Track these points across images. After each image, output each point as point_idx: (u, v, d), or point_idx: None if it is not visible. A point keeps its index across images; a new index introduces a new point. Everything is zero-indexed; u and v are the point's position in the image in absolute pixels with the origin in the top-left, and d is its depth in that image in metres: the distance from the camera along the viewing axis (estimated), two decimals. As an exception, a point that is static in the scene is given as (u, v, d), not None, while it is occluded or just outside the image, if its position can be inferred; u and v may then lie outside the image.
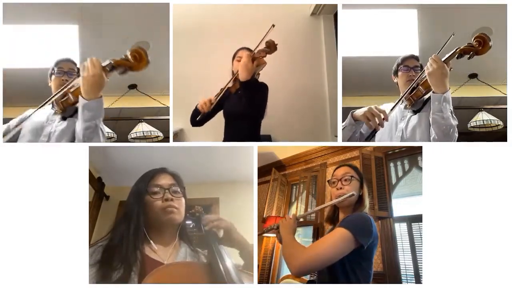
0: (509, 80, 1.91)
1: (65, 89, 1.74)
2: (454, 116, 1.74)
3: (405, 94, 1.85)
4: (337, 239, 1.34)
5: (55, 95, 1.74)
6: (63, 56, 1.94)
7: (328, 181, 1.62)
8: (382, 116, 1.73)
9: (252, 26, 2.72)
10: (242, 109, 2.08)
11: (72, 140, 1.80)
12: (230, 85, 2.11)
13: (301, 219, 1.58)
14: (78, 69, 1.89)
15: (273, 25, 2.08)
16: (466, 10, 2.93)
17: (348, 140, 1.97)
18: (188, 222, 1.47)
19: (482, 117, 3.81)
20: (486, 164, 1.80)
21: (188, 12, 2.74)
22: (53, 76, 1.88)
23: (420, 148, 1.85)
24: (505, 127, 3.56)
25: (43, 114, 1.83)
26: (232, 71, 2.16)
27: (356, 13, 2.87)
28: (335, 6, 2.54)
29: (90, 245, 1.37)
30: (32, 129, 1.77)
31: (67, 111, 1.79)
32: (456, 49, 1.75)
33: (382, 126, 1.75)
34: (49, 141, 1.79)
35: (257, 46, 2.07)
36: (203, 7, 2.79)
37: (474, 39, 1.75)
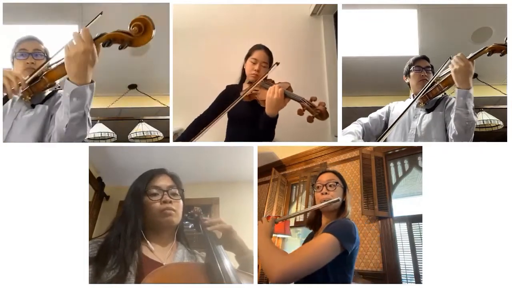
0: (509, 80, 1.91)
1: (38, 74, 1.49)
2: (475, 113, 1.83)
3: (423, 91, 1.88)
4: (324, 244, 1.31)
5: (27, 80, 1.46)
6: (25, 34, 1.68)
7: (312, 185, 1.61)
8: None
9: (253, 26, 2.72)
10: (252, 118, 2.00)
11: (43, 128, 1.58)
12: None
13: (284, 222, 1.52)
14: (46, 50, 1.67)
15: (277, 63, 1.99)
16: (466, 10, 2.94)
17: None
18: (186, 223, 1.47)
19: (482, 117, 3.82)
20: (486, 164, 1.80)
21: (188, 12, 2.74)
22: (15, 59, 1.62)
23: (420, 148, 1.85)
24: (505, 127, 3.57)
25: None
26: (243, 69, 2.12)
27: (356, 13, 2.87)
28: (335, 6, 2.54)
29: (91, 239, 1.37)
30: None
31: (36, 97, 1.57)
32: (484, 48, 1.79)
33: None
34: (10, 132, 1.58)
35: (260, 79, 1.97)
36: (203, 7, 2.79)
37: (506, 39, 1.79)
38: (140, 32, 1.34)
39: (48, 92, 1.63)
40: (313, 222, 1.58)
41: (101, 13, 1.42)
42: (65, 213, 1.75)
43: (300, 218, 2.98)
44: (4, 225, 1.74)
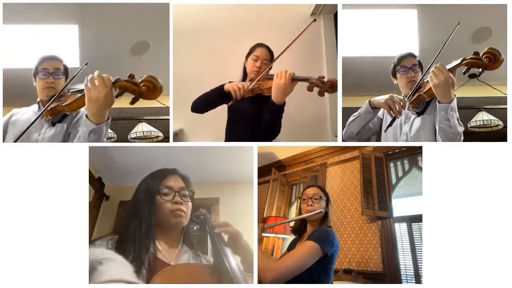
0: (509, 80, 1.91)
1: (57, 98, 1.64)
2: (460, 123, 1.71)
3: (408, 98, 1.81)
4: (308, 251, 1.53)
5: (48, 106, 1.62)
6: (48, 53, 1.81)
7: (299, 197, 1.86)
8: (402, 104, 1.75)
9: (252, 26, 2.72)
10: (253, 114, 1.98)
11: None
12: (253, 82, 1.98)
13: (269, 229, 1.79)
14: (65, 67, 1.79)
15: (315, 20, 2.00)
16: (466, 10, 2.93)
17: (358, 133, 1.96)
18: (192, 224, 1.48)
19: (482, 117, 3.82)
20: (486, 164, 1.80)
21: (188, 12, 2.74)
22: (37, 77, 1.76)
23: (420, 148, 1.85)
24: (505, 127, 3.57)
25: (29, 116, 1.76)
26: (244, 68, 2.11)
27: (356, 13, 2.87)
28: (335, 6, 2.54)
29: (97, 238, 1.33)
30: (17, 134, 1.65)
31: (55, 116, 1.71)
32: (462, 61, 1.68)
33: (401, 114, 1.78)
34: None
35: (295, 39, 1.95)
36: (203, 7, 2.79)
37: (483, 56, 1.66)
38: (149, 90, 1.50)
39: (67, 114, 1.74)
40: (298, 229, 1.79)
41: (86, 64, 1.63)
42: (65, 213, 1.75)
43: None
44: (4, 225, 1.74)
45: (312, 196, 1.74)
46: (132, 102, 1.48)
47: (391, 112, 1.76)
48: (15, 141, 1.60)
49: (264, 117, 1.92)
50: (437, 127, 1.71)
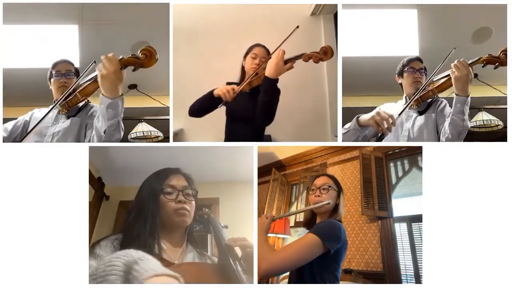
0: (509, 80, 1.91)
1: (71, 91, 1.77)
2: (469, 119, 1.80)
3: (416, 95, 1.87)
4: (305, 244, 1.41)
5: (63, 98, 1.76)
6: (60, 57, 1.96)
7: (307, 188, 1.70)
8: (391, 121, 1.72)
9: (252, 26, 2.72)
10: (252, 111, 1.96)
11: (77, 139, 1.84)
12: (249, 79, 1.99)
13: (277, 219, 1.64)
14: (76, 69, 1.94)
15: (298, 26, 2.00)
16: (466, 10, 2.93)
17: (354, 141, 1.97)
18: (195, 224, 1.48)
19: (482, 117, 3.81)
20: (486, 164, 1.80)
21: (188, 12, 2.74)
22: (52, 79, 1.91)
23: (420, 148, 1.85)
24: (505, 127, 3.56)
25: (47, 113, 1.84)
26: (243, 67, 2.10)
27: (356, 13, 2.87)
28: (335, 6, 2.54)
29: (102, 239, 1.33)
30: (37, 130, 1.78)
31: (71, 111, 1.84)
32: (479, 58, 1.80)
33: (390, 130, 1.74)
34: (52, 141, 1.82)
35: (278, 47, 1.96)
36: (203, 7, 2.79)
37: (501, 53, 1.80)
38: (146, 58, 1.64)
39: (80, 105, 1.88)
40: (309, 222, 1.66)
41: (94, 62, 1.69)
42: (65, 213, 1.75)
43: (300, 218, 2.98)
44: (4, 225, 1.74)
45: (320, 186, 1.62)
46: (134, 70, 1.65)
47: (379, 129, 1.73)
48: (30, 131, 1.76)
49: (259, 97, 1.93)
50: (448, 120, 1.78)
